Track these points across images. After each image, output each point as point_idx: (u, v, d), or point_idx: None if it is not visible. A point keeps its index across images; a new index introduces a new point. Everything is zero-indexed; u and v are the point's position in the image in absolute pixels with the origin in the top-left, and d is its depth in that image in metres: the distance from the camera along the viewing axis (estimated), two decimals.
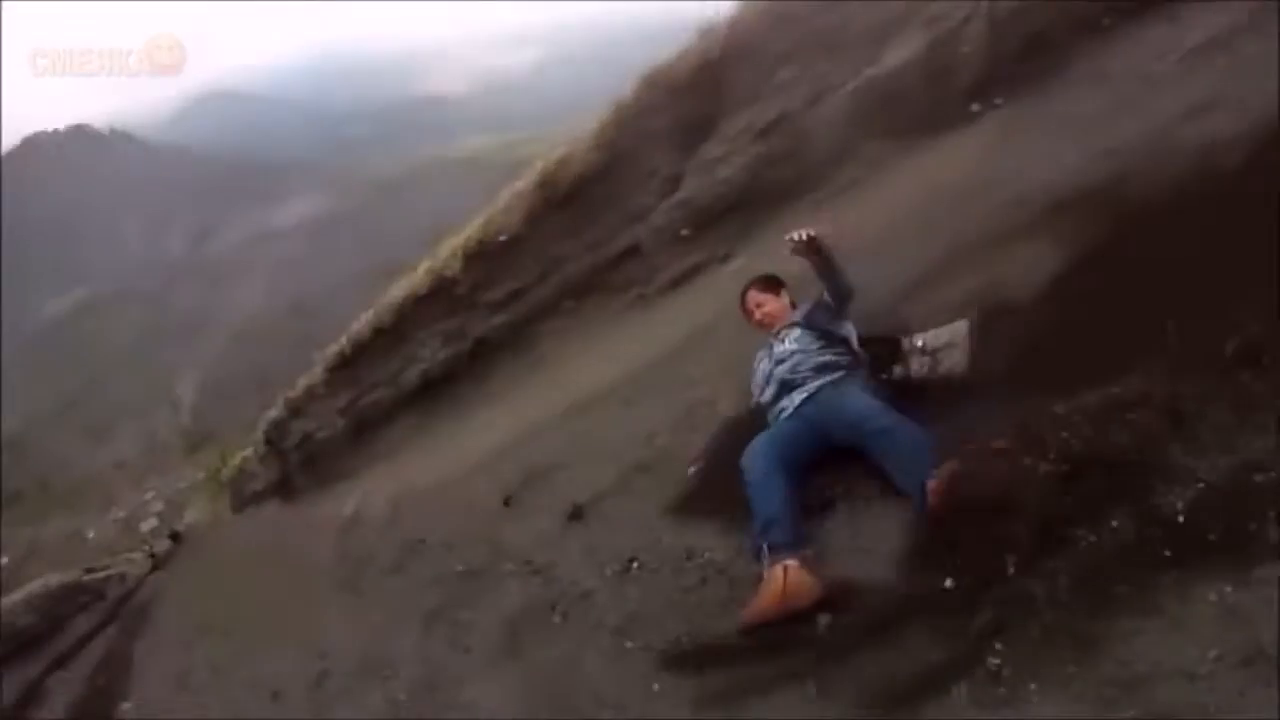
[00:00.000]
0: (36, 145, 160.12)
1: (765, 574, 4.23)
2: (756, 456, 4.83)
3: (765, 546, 4.36)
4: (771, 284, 6.20)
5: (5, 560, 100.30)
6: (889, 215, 8.41)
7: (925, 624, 3.54)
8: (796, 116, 10.32)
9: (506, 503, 8.54)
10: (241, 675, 9.55)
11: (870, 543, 4.33)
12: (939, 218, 7.56)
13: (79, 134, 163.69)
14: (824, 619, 3.95)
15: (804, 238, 5.22)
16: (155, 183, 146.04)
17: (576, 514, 6.91)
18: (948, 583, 3.61)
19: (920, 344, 5.34)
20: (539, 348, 12.68)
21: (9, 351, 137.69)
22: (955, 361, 5.08)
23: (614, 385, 9.53)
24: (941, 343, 5.27)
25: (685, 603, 4.84)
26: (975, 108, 8.92)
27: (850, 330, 5.53)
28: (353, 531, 12.38)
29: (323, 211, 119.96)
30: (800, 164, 10.24)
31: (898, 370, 5.37)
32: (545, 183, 12.32)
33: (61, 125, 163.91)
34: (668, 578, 5.17)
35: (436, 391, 14.32)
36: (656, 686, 4.34)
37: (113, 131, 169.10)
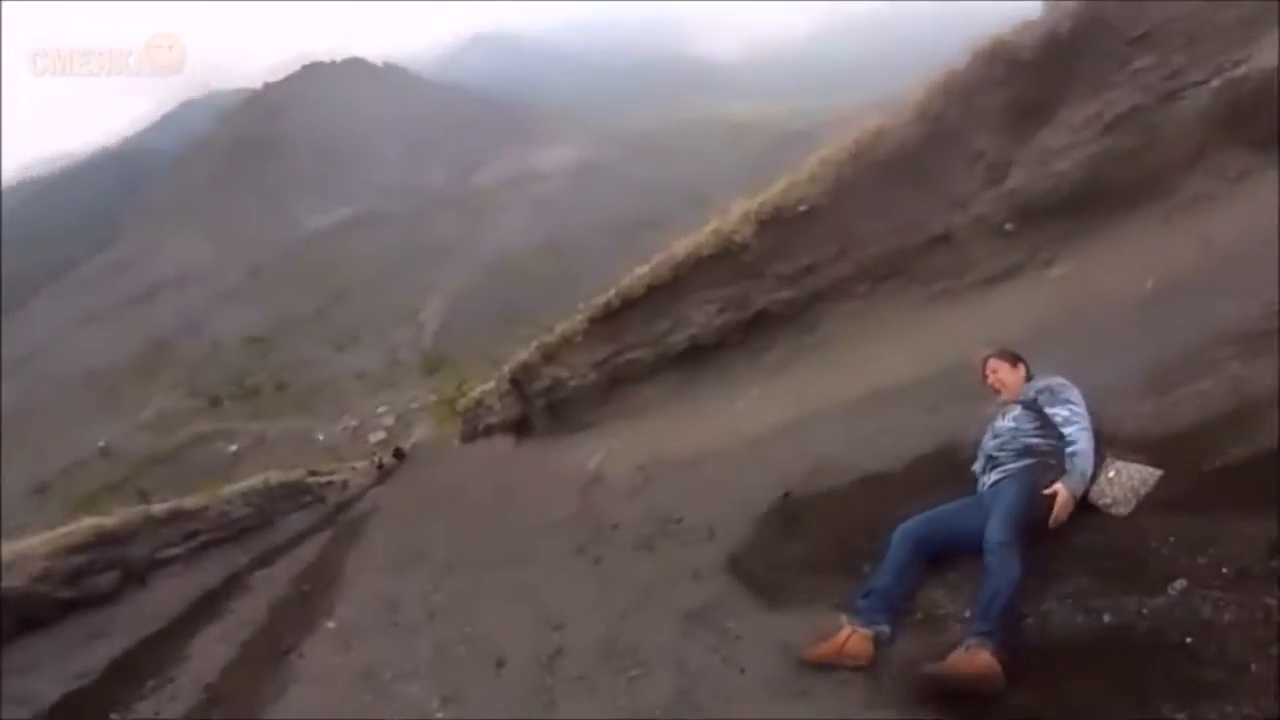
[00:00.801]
0: (315, 72, 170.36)
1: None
2: (909, 536, 5.20)
3: (852, 608, 4.92)
4: (1010, 356, 6.22)
5: (234, 448, 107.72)
6: (1242, 239, 7.28)
7: None
8: (1149, 111, 9.02)
9: (785, 496, 7.76)
10: (461, 625, 8.79)
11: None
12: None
13: (355, 65, 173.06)
14: None
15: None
16: (423, 116, 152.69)
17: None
18: None
19: (1112, 473, 5.14)
20: (824, 329, 11.80)
21: (270, 257, 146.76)
22: (1120, 510, 4.96)
23: (912, 384, 8.68)
24: (1129, 480, 5.07)
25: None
26: None
27: (1074, 420, 5.43)
28: (596, 490, 11.98)
29: (584, 158, 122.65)
30: (1148, 166, 9.00)
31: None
32: (858, 153, 11.34)
33: (340, 56, 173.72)
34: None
35: (704, 358, 13.65)
36: None
37: (386, 65, 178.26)
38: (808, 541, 6.67)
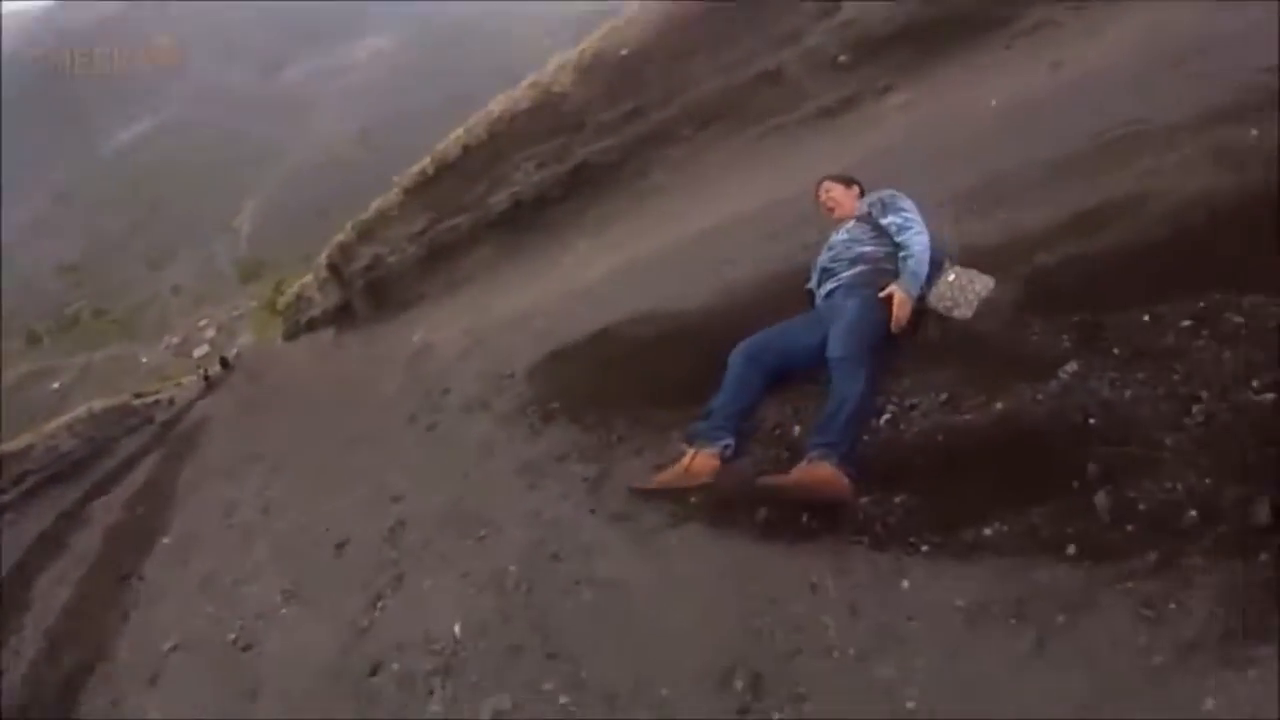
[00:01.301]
0: None
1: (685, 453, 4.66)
2: (742, 354, 5.07)
3: (692, 433, 4.79)
4: (841, 178, 6.00)
5: (57, 385, 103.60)
6: (1091, 61, 7.15)
7: None
8: None
9: (603, 332, 7.63)
10: (297, 516, 8.39)
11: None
12: (1153, 82, 6.42)
13: None
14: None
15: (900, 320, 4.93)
16: (226, 15, 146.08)
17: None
18: None
19: (951, 277, 5.04)
20: (652, 176, 11.30)
21: (76, 180, 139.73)
22: (962, 312, 4.88)
23: (749, 216, 8.33)
24: (969, 284, 5.01)
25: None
26: None
27: (907, 226, 5.30)
28: (423, 360, 11.39)
29: (395, 47, 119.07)
30: None
31: (924, 292, 5.04)
32: None
33: None
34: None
35: (526, 219, 13.05)
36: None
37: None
38: (649, 379, 6.30)
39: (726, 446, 4.59)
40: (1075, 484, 3.15)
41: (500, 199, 13.13)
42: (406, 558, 5.93)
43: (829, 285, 5.27)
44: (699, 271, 7.82)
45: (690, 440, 4.77)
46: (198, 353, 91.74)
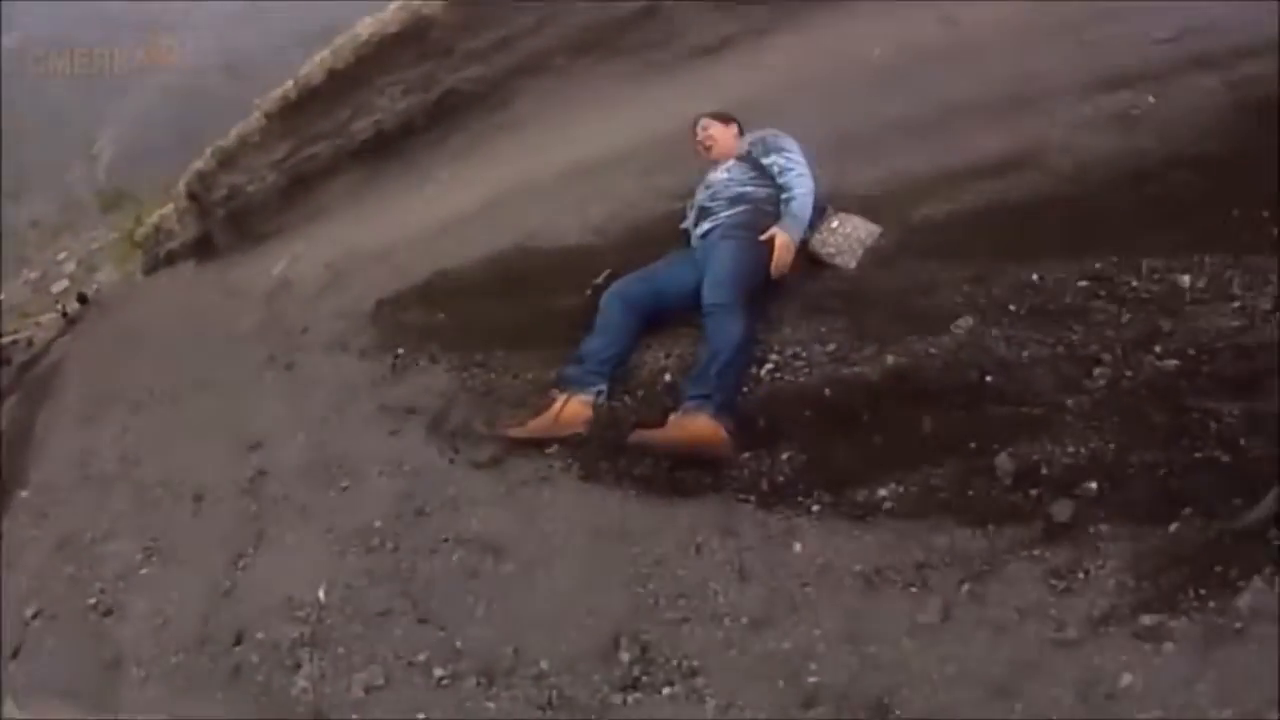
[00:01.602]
0: None
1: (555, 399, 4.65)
2: (615, 295, 5.02)
3: (563, 377, 4.80)
4: (719, 115, 5.97)
5: None
6: (994, 22, 6.94)
7: None
8: None
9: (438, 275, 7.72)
10: (155, 465, 8.12)
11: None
12: (1022, 45, 6.37)
13: None
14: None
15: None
16: None
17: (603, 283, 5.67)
18: None
19: (835, 223, 5.06)
20: (517, 106, 10.91)
21: None
22: (845, 260, 4.90)
23: (621, 153, 8.14)
24: (853, 232, 5.01)
25: None
26: None
27: (790, 168, 5.22)
28: (282, 297, 11.09)
29: None
30: None
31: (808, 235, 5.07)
32: None
33: None
34: None
35: (389, 148, 12.56)
36: None
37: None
38: (515, 320, 6.29)
39: (599, 393, 4.62)
40: (973, 445, 3.06)
41: (363, 126, 12.62)
42: (267, 511, 5.92)
43: (706, 225, 5.18)
44: (565, 208, 7.67)
45: (561, 386, 4.76)
46: (56, 288, 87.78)
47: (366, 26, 12.27)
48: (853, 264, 4.81)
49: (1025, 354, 3.43)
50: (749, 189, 5.19)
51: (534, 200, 8.34)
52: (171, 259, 23.85)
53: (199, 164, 17.72)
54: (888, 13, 7.90)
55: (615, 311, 4.92)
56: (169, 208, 23.30)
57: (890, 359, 3.68)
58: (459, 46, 11.29)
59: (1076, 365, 3.28)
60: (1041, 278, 3.80)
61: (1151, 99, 4.87)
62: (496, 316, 6.37)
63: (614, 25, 10.25)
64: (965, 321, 3.71)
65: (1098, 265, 3.71)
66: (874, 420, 3.48)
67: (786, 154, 5.22)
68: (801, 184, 5.01)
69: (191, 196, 18.88)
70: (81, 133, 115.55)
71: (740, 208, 5.11)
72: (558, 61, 10.67)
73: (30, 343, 37.85)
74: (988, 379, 3.35)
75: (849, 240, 4.87)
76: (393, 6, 11.93)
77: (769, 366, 4.15)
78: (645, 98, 9.38)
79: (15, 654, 6.60)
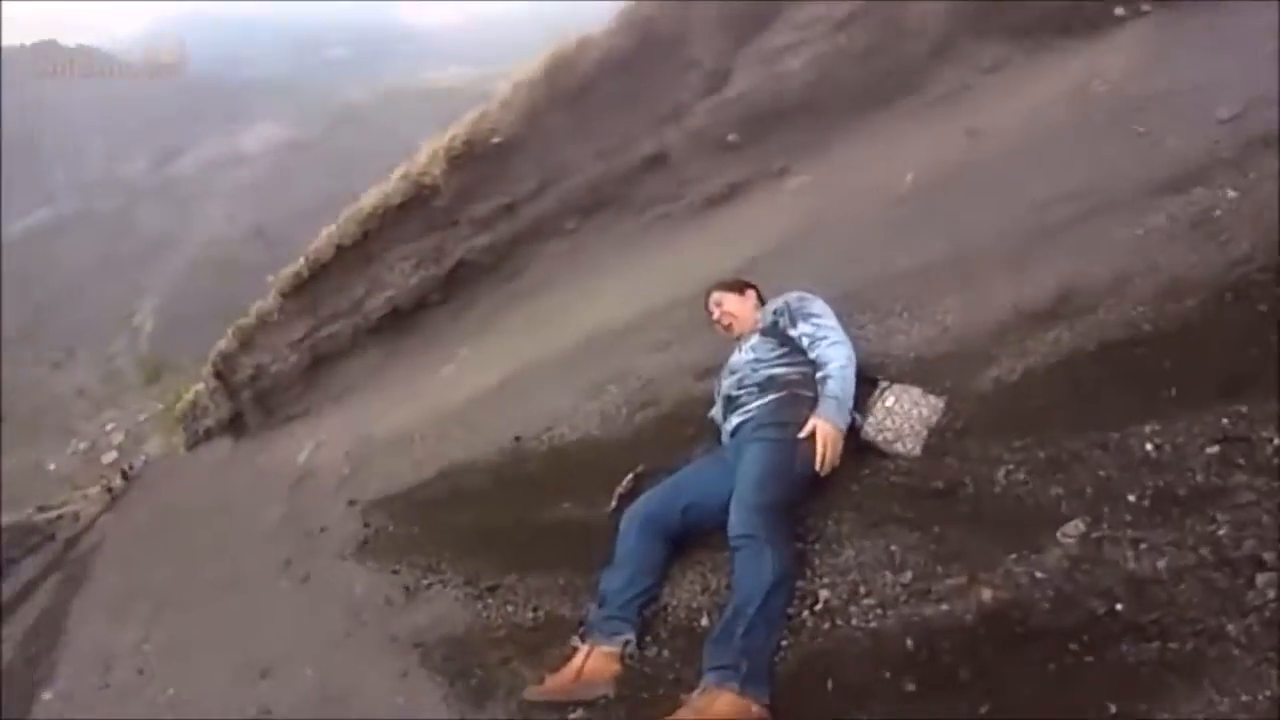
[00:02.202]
0: (2, 61, 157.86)
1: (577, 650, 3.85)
2: (635, 519, 4.17)
3: (587, 623, 4.01)
4: (733, 285, 5.21)
5: None
6: (1013, 129, 6.51)
7: None
8: (888, 5, 8.09)
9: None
10: (168, 683, 7.48)
11: None
12: (1063, 149, 5.80)
13: (47, 49, 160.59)
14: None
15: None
16: (120, 102, 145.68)
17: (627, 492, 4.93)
18: None
19: (890, 400, 4.11)
20: (529, 274, 10.65)
21: None
22: (908, 446, 3.94)
23: (635, 322, 7.70)
24: (912, 409, 4.07)
25: None
26: (1120, 11, 6.89)
27: (822, 336, 4.40)
28: (305, 487, 10.71)
29: (287, 136, 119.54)
30: (890, 62, 8.09)
31: (856, 418, 4.11)
32: (555, 70, 10.06)
33: (29, 41, 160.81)
34: None
35: (405, 323, 12.36)
36: None
37: (80, 48, 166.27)
38: (532, 527, 5.57)
39: (627, 643, 3.78)
40: (1112, 707, 2.26)
41: (377, 303, 12.44)
42: None
43: (735, 419, 4.33)
44: (582, 390, 7.08)
45: (583, 634, 3.96)
46: (106, 458, 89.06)
47: (370, 198, 12.13)
48: (917, 450, 3.90)
49: (1161, 564, 2.56)
50: (778, 370, 4.36)
51: (550, 380, 7.89)
52: (209, 435, 23.98)
53: (222, 344, 17.66)
54: (911, 133, 7.49)
55: (636, 539, 4.12)
56: (203, 384, 23.43)
57: (987, 593, 2.86)
58: (464, 215, 11.10)
59: (1232, 572, 2.42)
60: (1158, 448, 2.95)
61: (1232, 193, 4.18)
62: (511, 525, 5.75)
63: (620, 180, 9.95)
64: (1075, 527, 2.85)
65: (1225, 421, 2.88)
66: (975, 678, 2.72)
67: (815, 319, 4.45)
68: (838, 354, 4.21)
69: (219, 376, 18.81)
70: (118, 301, 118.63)
71: (771, 396, 4.23)
72: (567, 224, 10.38)
73: (76, 517, 38.01)
74: (1117, 608, 2.50)
75: (909, 420, 4.00)
76: (394, 177, 11.77)
77: (817, 605, 3.41)
78: (656, 256, 9.04)
79: None
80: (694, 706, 3.10)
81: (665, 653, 3.64)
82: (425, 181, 11.16)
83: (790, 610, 3.40)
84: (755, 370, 4.40)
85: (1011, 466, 3.31)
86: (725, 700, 3.02)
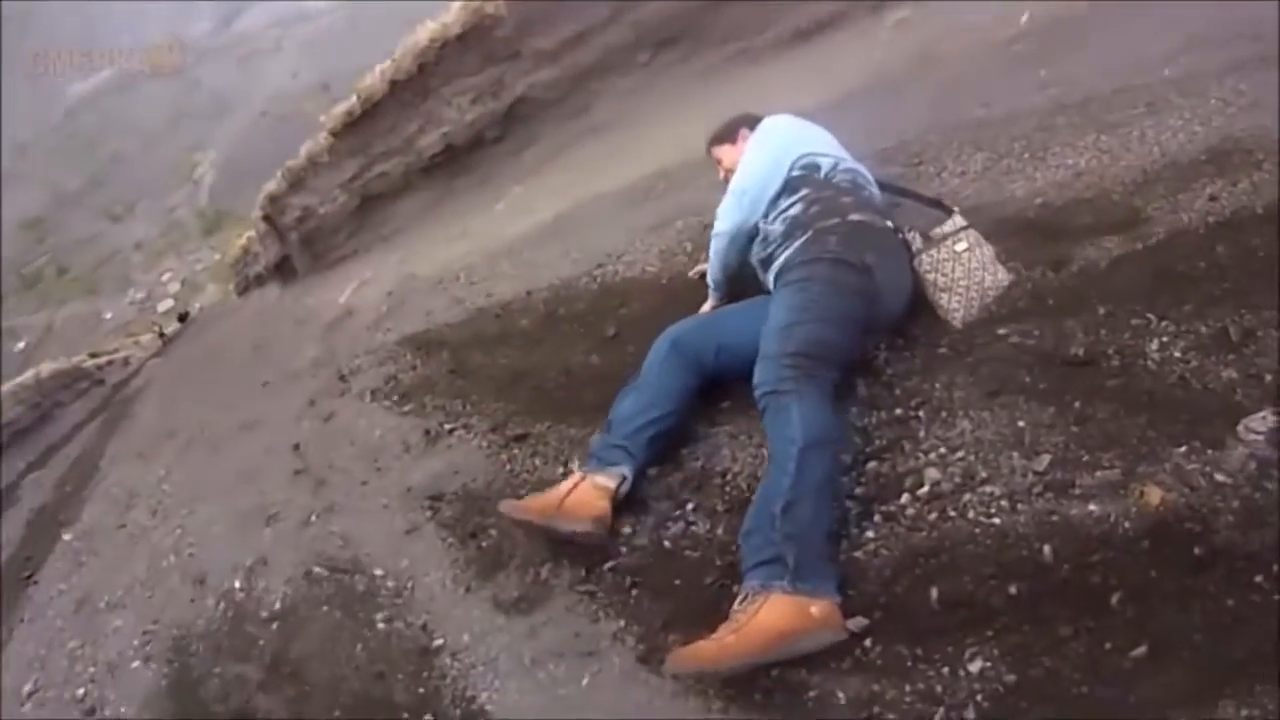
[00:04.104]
0: None
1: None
2: (667, 341, 3.68)
3: (592, 450, 3.52)
4: (724, 135, 4.60)
5: (21, 345, 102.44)
6: None
7: None
8: None
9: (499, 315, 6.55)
10: (176, 526, 7.04)
11: None
12: None
13: None
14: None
15: None
16: None
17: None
18: None
19: (961, 247, 3.43)
20: (597, 111, 10.04)
21: (33, 134, 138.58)
22: (955, 307, 3.39)
23: (706, 162, 7.00)
24: (976, 269, 3.41)
25: None
26: None
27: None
28: (343, 326, 10.20)
29: None
30: None
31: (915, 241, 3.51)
32: None
33: None
34: None
35: (460, 161, 11.78)
36: None
37: None
38: (574, 371, 5.01)
39: (623, 480, 3.34)
40: None
41: (432, 140, 11.84)
42: (254, 613, 4.75)
43: (771, 277, 3.77)
44: (644, 228, 6.49)
45: (584, 459, 3.54)
46: (162, 307, 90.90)
47: (427, 30, 11.42)
48: (958, 318, 3.37)
49: None
50: (794, 210, 3.72)
51: (610, 217, 7.33)
52: (260, 281, 23.90)
53: (270, 186, 17.18)
54: None
55: (662, 362, 3.60)
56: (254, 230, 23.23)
57: (1155, 493, 2.18)
58: (527, 47, 10.42)
59: None
60: None
61: None
62: (549, 368, 5.20)
63: (700, 10, 9.25)
64: (1262, 421, 2.16)
65: None
66: (1130, 605, 2.08)
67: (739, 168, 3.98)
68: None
69: (267, 219, 18.40)
70: (180, 157, 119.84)
71: (797, 239, 3.60)
72: (639, 57, 9.71)
73: (127, 362, 38.39)
74: None
75: (971, 280, 3.36)
76: (455, 6, 11.05)
77: (923, 489, 2.69)
78: (741, 91, 8.27)
79: None
80: (735, 623, 2.48)
81: (720, 530, 2.99)
82: (487, 10, 10.45)
83: (868, 488, 2.77)
84: (769, 221, 3.81)
85: (1165, 339, 2.64)
86: (774, 606, 2.42)
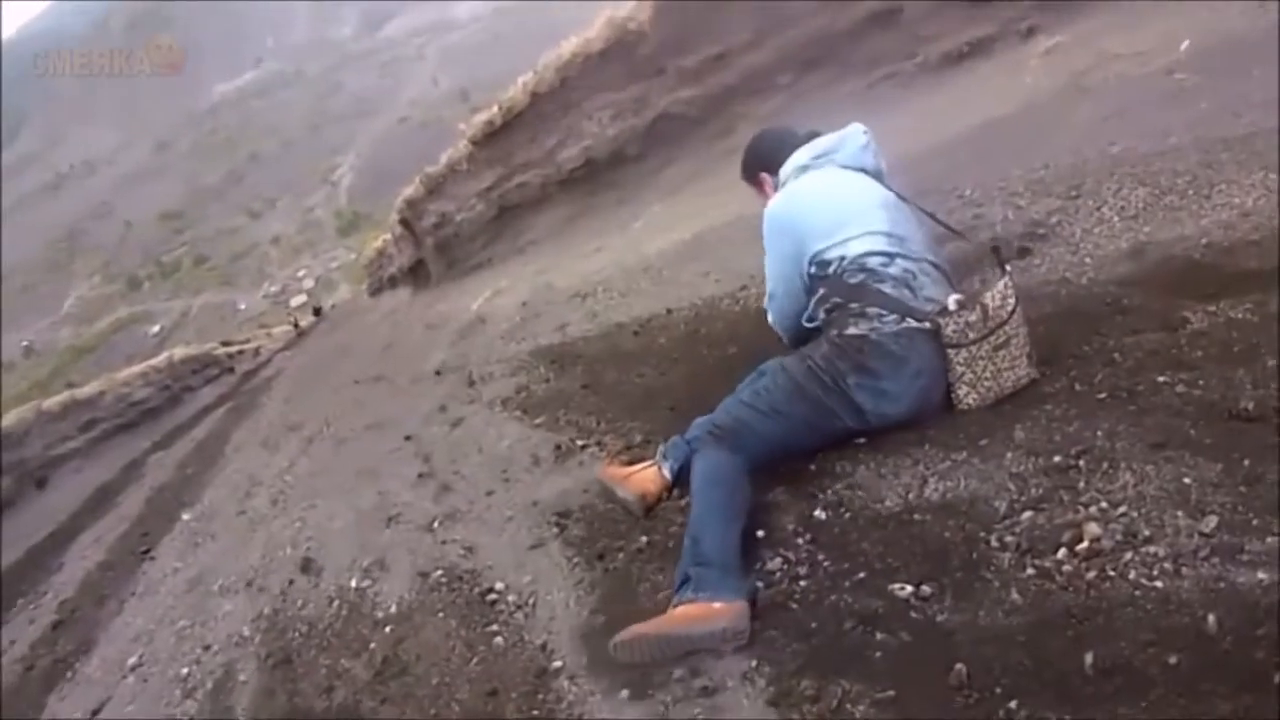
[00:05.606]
0: None
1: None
2: (781, 366, 3.36)
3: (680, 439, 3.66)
4: (743, 173, 4.01)
5: (156, 329, 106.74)
6: None
7: None
8: None
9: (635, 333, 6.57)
10: (295, 517, 7.12)
11: None
12: None
13: None
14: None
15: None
16: None
17: None
18: None
19: (993, 300, 3.02)
20: (739, 132, 9.80)
21: (178, 130, 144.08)
22: (965, 394, 3.12)
23: None
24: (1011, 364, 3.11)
25: None
26: None
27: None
28: (475, 335, 10.35)
29: (497, 5, 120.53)
30: None
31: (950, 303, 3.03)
32: None
33: None
34: None
35: (600, 176, 11.84)
36: None
37: None
38: (711, 395, 4.85)
39: (671, 468, 3.58)
40: None
41: (572, 155, 11.97)
42: (365, 612, 4.69)
43: None
44: None
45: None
46: (295, 302, 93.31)
47: (571, 44, 11.57)
48: (967, 407, 3.13)
49: None
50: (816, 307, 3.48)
51: (750, 240, 7.12)
52: (393, 283, 24.34)
53: (409, 191, 17.54)
54: None
55: (754, 377, 3.57)
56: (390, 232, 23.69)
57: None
58: (671, 64, 10.44)
59: None
60: None
61: None
62: (687, 388, 4.98)
63: (846, 34, 9.18)
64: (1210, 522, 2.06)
65: None
66: None
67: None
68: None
69: (404, 223, 18.80)
70: (319, 157, 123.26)
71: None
72: (782, 79, 9.65)
73: (258, 352, 39.70)
74: None
75: (997, 379, 3.12)
76: (598, 22, 11.16)
77: (1082, 544, 2.53)
78: (886, 116, 8.06)
79: (97, 711, 5.93)
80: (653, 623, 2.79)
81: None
82: (630, 27, 10.53)
83: (1020, 538, 2.66)
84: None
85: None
86: (685, 607, 2.69)
